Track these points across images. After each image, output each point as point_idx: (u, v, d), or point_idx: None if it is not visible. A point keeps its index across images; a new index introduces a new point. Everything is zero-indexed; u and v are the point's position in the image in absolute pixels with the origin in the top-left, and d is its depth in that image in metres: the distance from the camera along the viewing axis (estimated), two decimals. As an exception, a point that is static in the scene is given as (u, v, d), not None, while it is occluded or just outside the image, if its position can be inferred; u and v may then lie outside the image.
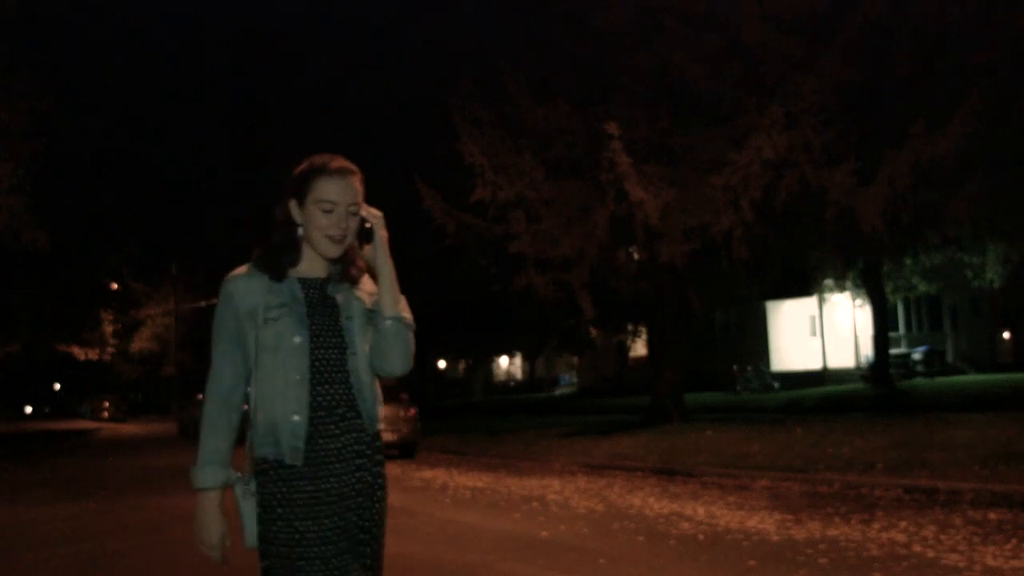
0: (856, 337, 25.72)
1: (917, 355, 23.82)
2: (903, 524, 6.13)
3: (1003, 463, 7.91)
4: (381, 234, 2.04)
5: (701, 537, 6.07)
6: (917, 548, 5.34)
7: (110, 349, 33.27)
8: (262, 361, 1.99)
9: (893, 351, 22.65)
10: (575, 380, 37.26)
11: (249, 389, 2.03)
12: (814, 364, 25.38)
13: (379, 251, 2.05)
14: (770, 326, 27.23)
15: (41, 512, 8.79)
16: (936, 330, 27.20)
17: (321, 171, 2.02)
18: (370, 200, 2.07)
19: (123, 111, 45.65)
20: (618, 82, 14.16)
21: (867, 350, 24.51)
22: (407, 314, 2.10)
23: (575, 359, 36.47)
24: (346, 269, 2.11)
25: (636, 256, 15.00)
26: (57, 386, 62.94)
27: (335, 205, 2.01)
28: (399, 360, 2.08)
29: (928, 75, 12.49)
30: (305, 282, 2.08)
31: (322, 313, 2.04)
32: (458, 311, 26.02)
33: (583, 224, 13.63)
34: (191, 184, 37.53)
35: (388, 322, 2.06)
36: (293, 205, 2.05)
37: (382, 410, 2.14)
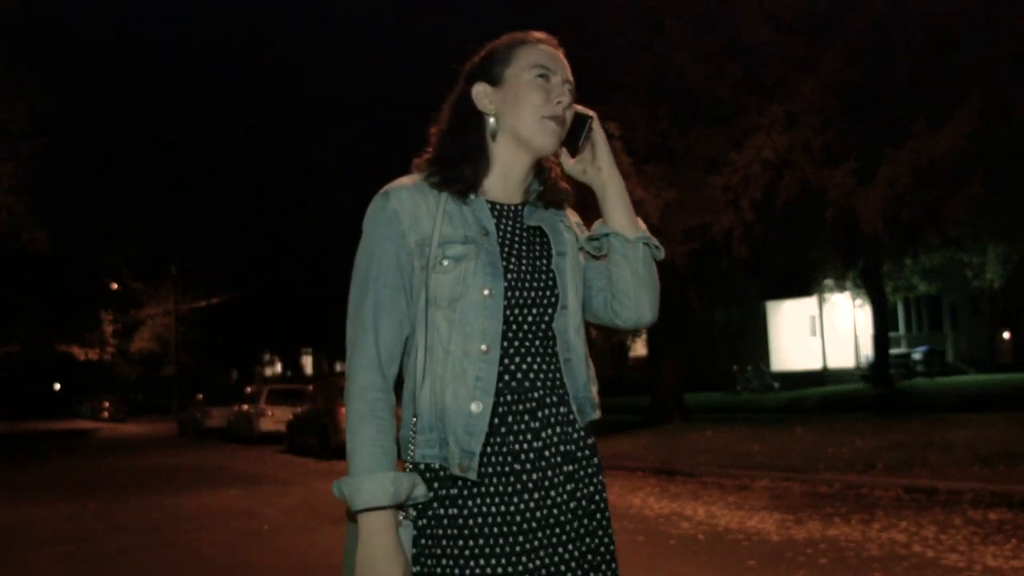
0: (856, 337, 25.73)
1: (917, 355, 23.83)
2: (903, 524, 6.13)
3: (1003, 463, 7.91)
4: (602, 134, 1.48)
5: (701, 537, 6.07)
6: (917, 548, 5.34)
7: (110, 349, 33.34)
8: (433, 320, 1.36)
9: (893, 351, 22.65)
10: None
11: (406, 360, 1.39)
12: (814, 364, 25.39)
13: (603, 156, 1.47)
14: (770, 326, 27.24)
15: (41, 512, 8.79)
16: (936, 330, 27.20)
17: (523, 41, 1.48)
18: None
19: (123, 111, 45.63)
20: (618, 82, 14.14)
21: (867, 350, 24.51)
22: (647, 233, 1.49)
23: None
24: (550, 186, 1.50)
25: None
26: (57, 386, 62.93)
27: (552, 72, 1.44)
28: (649, 300, 1.48)
29: (928, 75, 12.48)
30: (496, 208, 1.44)
31: (522, 253, 1.42)
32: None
33: (583, 224, 13.66)
34: (191, 184, 37.55)
35: (631, 246, 1.45)
36: (481, 91, 1.44)
37: (596, 389, 1.51)
